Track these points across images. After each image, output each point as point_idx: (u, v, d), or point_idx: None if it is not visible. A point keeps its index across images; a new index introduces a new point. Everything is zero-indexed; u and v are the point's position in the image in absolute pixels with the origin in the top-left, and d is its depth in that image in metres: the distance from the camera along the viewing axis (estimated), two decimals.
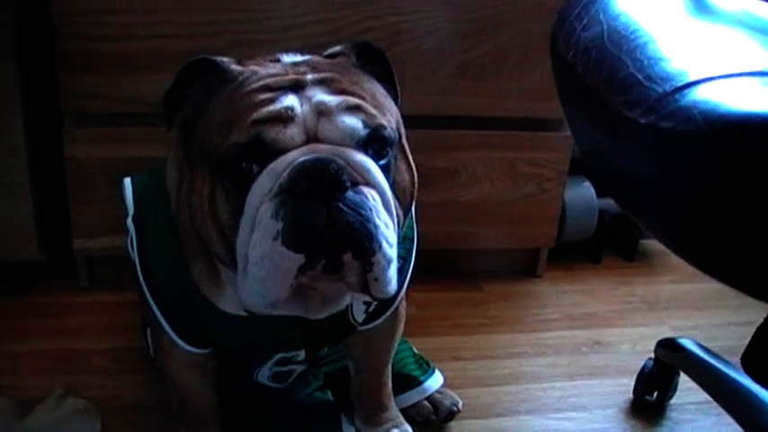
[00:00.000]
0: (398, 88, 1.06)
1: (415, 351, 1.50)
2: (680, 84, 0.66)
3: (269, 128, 0.89)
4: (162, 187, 1.10)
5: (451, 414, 1.44)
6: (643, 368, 1.58)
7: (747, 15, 0.90)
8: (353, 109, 0.92)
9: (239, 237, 0.91)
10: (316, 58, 1.02)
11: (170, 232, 1.08)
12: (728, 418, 1.41)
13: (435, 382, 1.47)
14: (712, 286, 2.04)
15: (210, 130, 0.94)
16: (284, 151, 0.89)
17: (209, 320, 1.12)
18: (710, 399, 1.46)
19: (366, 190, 0.89)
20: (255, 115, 0.90)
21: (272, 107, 0.90)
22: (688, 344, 1.50)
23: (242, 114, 0.91)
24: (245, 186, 0.90)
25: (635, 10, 0.90)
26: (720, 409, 1.44)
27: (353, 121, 0.91)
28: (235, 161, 0.90)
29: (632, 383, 1.59)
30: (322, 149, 0.89)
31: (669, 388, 1.56)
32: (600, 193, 2.04)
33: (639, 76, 0.70)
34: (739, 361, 0.95)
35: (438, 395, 1.46)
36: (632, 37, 0.78)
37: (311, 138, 0.90)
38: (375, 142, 0.93)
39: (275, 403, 1.35)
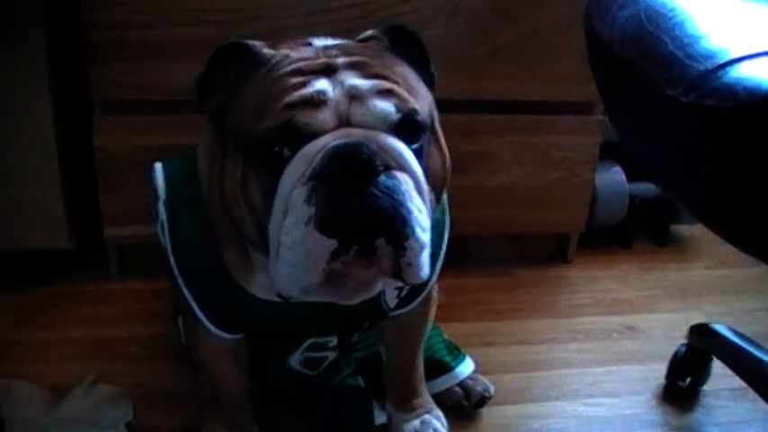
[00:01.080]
0: (433, 71, 1.04)
1: (446, 337, 1.50)
2: (721, 61, 0.65)
3: (301, 112, 0.88)
4: (194, 173, 1.09)
5: (483, 400, 1.44)
6: (676, 354, 1.56)
7: None
8: (386, 93, 0.91)
9: (272, 221, 0.90)
10: (347, 42, 1.01)
11: (202, 217, 1.08)
12: (763, 405, 1.40)
13: (467, 367, 1.46)
14: (745, 272, 2.02)
15: (243, 115, 0.93)
16: (316, 135, 0.88)
17: (242, 306, 1.12)
18: (744, 385, 1.44)
19: (399, 174, 0.89)
20: (287, 99, 0.89)
21: (304, 91, 0.89)
22: (722, 329, 1.49)
23: (274, 98, 0.90)
24: (278, 171, 0.89)
25: None
26: (754, 395, 1.43)
27: (386, 105, 0.90)
28: (267, 145, 0.90)
29: (664, 369, 1.58)
30: (354, 134, 0.89)
31: (702, 374, 1.55)
32: (630, 178, 2.02)
33: (680, 54, 0.68)
34: None
35: (470, 381, 1.45)
36: (670, 15, 0.76)
37: (343, 122, 0.89)
38: (407, 127, 0.92)
39: (307, 390, 1.34)
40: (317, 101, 0.89)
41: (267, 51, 0.97)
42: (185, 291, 1.13)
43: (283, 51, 0.97)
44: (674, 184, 0.74)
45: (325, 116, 0.89)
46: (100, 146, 1.65)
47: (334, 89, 0.90)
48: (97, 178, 1.68)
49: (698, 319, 1.66)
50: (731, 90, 0.60)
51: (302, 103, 0.89)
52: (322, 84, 0.90)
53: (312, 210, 0.86)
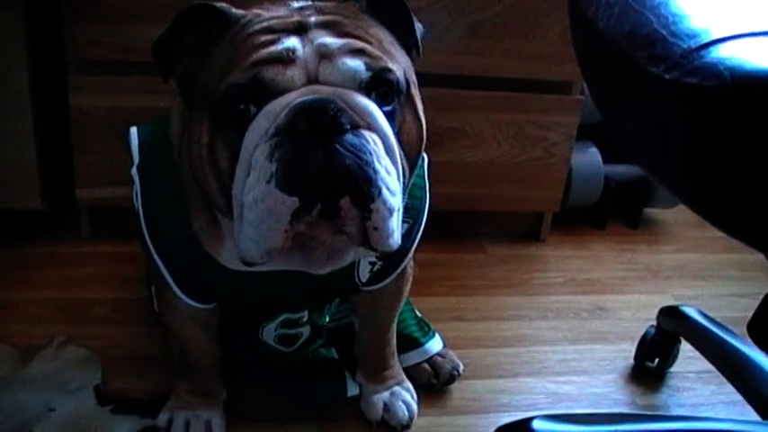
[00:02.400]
0: (418, 38, 1.02)
1: (417, 313, 1.50)
2: (705, 40, 0.65)
3: (268, 68, 0.87)
4: (167, 138, 1.08)
5: (452, 378, 1.44)
6: (645, 335, 1.58)
7: None
8: (357, 52, 0.90)
9: (235, 181, 0.88)
10: (322, 2, 0.98)
11: (175, 184, 1.06)
12: (728, 387, 1.42)
13: (436, 344, 1.47)
14: (716, 257, 2.04)
15: (211, 75, 0.91)
16: (283, 92, 0.87)
17: (213, 276, 1.10)
18: (710, 368, 1.46)
19: (367, 134, 0.87)
20: (255, 56, 0.88)
21: (272, 48, 0.88)
22: (691, 311, 1.50)
23: (242, 56, 0.88)
24: (243, 129, 0.87)
25: None
26: (720, 378, 1.45)
27: (356, 63, 0.89)
28: (233, 102, 0.88)
29: (633, 350, 1.60)
30: (322, 90, 0.87)
31: (670, 355, 1.56)
32: (606, 160, 2.03)
33: (664, 32, 0.68)
34: (742, 332, 0.95)
35: (439, 359, 1.46)
36: None
37: (311, 80, 0.88)
38: (379, 86, 0.90)
39: (278, 359, 1.34)
40: (286, 58, 0.87)
41: (237, 12, 0.95)
42: (157, 259, 1.12)
43: (255, 11, 0.95)
44: (656, 166, 0.74)
45: (293, 73, 0.87)
46: (75, 105, 1.63)
47: (303, 47, 0.88)
48: (71, 139, 1.66)
49: (667, 301, 1.68)
50: (714, 69, 0.60)
51: (270, 59, 0.87)
52: (291, 41, 0.89)
53: (274, 166, 0.84)
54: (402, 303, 1.32)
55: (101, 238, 1.80)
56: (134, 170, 1.11)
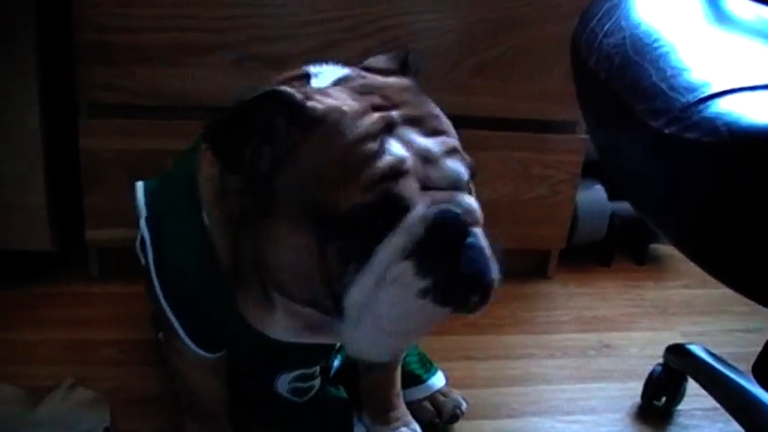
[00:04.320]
0: None
1: (420, 350, 1.50)
2: (703, 95, 0.66)
3: (393, 185, 0.87)
4: (183, 195, 1.07)
5: (455, 417, 1.44)
6: (652, 373, 1.58)
7: (766, 25, 0.90)
8: (453, 152, 0.93)
9: (357, 291, 0.89)
10: (374, 81, 0.99)
11: (195, 242, 1.06)
12: (735, 425, 1.41)
13: (438, 380, 1.47)
14: (722, 292, 2.03)
15: (312, 184, 0.89)
16: (409, 206, 0.88)
17: (235, 334, 1.13)
18: (717, 405, 1.45)
19: (477, 230, 0.91)
20: (375, 171, 0.87)
21: (387, 159, 0.87)
22: (697, 350, 1.50)
23: (358, 169, 0.87)
24: (370, 243, 0.88)
25: (656, 18, 0.90)
26: (727, 416, 1.44)
27: (458, 166, 0.92)
28: (361, 220, 0.87)
29: (640, 387, 1.59)
30: (440, 199, 0.89)
31: (677, 393, 1.56)
32: (611, 197, 2.04)
33: (663, 86, 0.70)
34: (748, 368, 0.96)
35: (441, 397, 1.46)
36: (655, 45, 0.78)
37: (423, 185, 0.89)
38: (471, 180, 0.95)
39: (282, 402, 1.34)
40: (403, 170, 0.88)
41: (315, 106, 0.91)
42: (168, 310, 1.13)
43: (331, 104, 0.91)
44: (655, 214, 0.75)
45: (412, 185, 0.88)
46: (85, 148, 1.64)
47: (407, 153, 0.89)
48: (81, 180, 1.67)
49: (675, 338, 1.68)
50: (712, 124, 0.61)
51: (391, 174, 0.87)
52: (397, 148, 0.89)
53: (427, 283, 0.87)
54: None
55: (109, 278, 1.80)
56: (142, 222, 1.11)
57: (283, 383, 1.29)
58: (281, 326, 1.04)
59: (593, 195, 2.02)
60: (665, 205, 0.70)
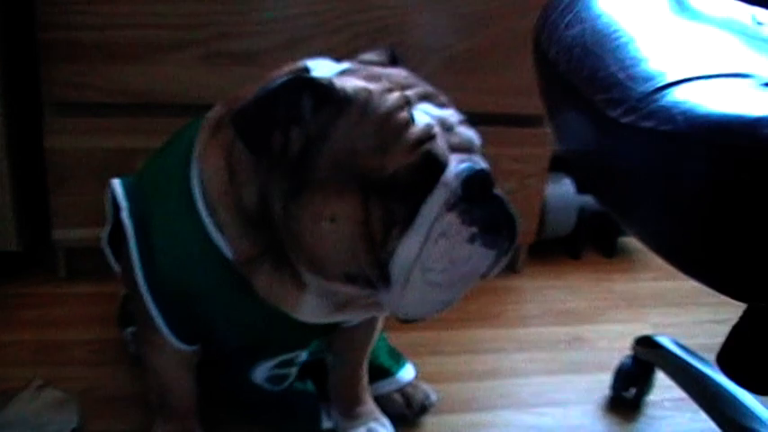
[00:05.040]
0: None
1: (389, 343, 1.50)
2: (660, 84, 0.66)
3: (431, 145, 0.94)
4: (176, 190, 1.08)
5: (424, 408, 1.45)
6: (621, 365, 1.59)
7: (728, 16, 0.91)
8: (464, 122, 1.01)
9: (404, 252, 0.95)
10: (376, 70, 1.05)
11: (186, 234, 1.07)
12: (703, 415, 1.42)
13: (407, 373, 1.47)
14: (692, 284, 2.01)
15: (355, 155, 0.94)
16: (445, 164, 0.95)
17: (225, 321, 1.15)
18: (686, 396, 1.47)
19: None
20: (413, 135, 0.94)
21: (420, 125, 0.95)
22: (665, 341, 1.51)
23: (396, 135, 0.94)
24: (416, 202, 0.94)
25: (617, 9, 0.90)
26: (695, 406, 1.45)
27: (471, 133, 1.01)
28: (407, 180, 0.94)
29: (610, 380, 1.60)
30: (466, 158, 0.97)
31: (646, 385, 1.57)
32: (580, 190, 2.04)
33: (621, 76, 0.70)
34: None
35: (410, 389, 1.47)
36: (614, 36, 0.78)
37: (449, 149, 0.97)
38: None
39: (254, 393, 1.35)
40: (433, 133, 0.95)
41: (344, 86, 0.97)
42: (151, 304, 1.13)
43: (358, 84, 0.98)
44: (616, 206, 0.76)
45: (444, 146, 0.96)
46: (51, 147, 1.63)
47: (432, 121, 0.97)
48: (47, 180, 1.66)
49: (644, 330, 1.69)
50: (669, 113, 0.62)
51: (426, 137, 0.95)
52: (424, 117, 0.97)
53: (474, 229, 0.94)
54: (375, 339, 1.33)
55: (78, 278, 1.79)
56: (124, 215, 1.11)
57: (262, 372, 1.30)
58: (310, 305, 1.07)
59: (562, 189, 2.03)
60: (624, 197, 0.70)
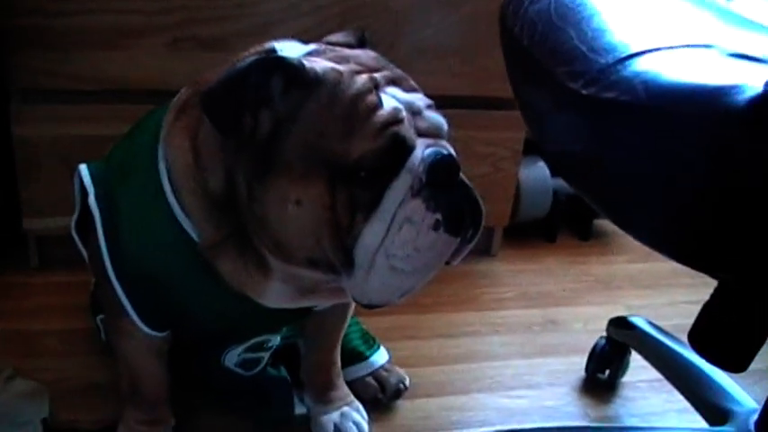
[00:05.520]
0: None
1: (362, 327, 1.50)
2: (623, 55, 0.66)
3: (398, 129, 0.93)
4: (143, 172, 1.07)
5: (398, 392, 1.45)
6: (595, 346, 1.59)
7: None
8: (432, 107, 1.01)
9: (368, 237, 0.94)
10: (344, 52, 1.04)
11: (153, 218, 1.06)
12: (678, 396, 1.43)
13: (380, 357, 1.47)
14: (666, 266, 2.06)
15: (325, 138, 0.93)
16: (411, 150, 0.94)
17: (194, 309, 1.14)
18: (661, 377, 1.47)
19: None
20: (380, 119, 0.93)
21: (388, 109, 0.94)
22: (639, 322, 1.52)
23: (364, 119, 0.93)
24: (380, 187, 0.94)
25: None
26: (670, 387, 1.46)
27: (439, 118, 1.00)
28: (372, 164, 0.93)
29: (584, 362, 1.60)
30: (432, 143, 0.96)
31: (621, 366, 1.57)
32: (554, 173, 2.04)
33: (583, 48, 0.69)
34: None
35: (384, 373, 1.46)
36: (578, 9, 0.78)
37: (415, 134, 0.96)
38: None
39: (227, 378, 1.34)
40: (400, 118, 0.94)
41: (314, 67, 0.95)
42: (119, 290, 1.12)
43: (328, 66, 0.96)
44: (580, 182, 0.75)
45: (410, 131, 0.95)
46: (18, 135, 1.61)
47: (399, 105, 0.96)
48: (17, 169, 1.64)
49: (620, 312, 1.69)
50: (630, 84, 0.61)
51: (393, 120, 0.93)
52: (391, 102, 0.95)
53: (438, 215, 0.93)
54: (347, 324, 1.33)
55: (50, 267, 1.77)
56: (92, 200, 1.10)
57: (232, 357, 1.30)
58: (275, 290, 1.06)
59: (536, 172, 2.02)
60: (588, 173, 0.70)
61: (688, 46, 0.66)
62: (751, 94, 0.58)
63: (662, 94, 0.59)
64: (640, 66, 0.64)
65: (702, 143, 0.57)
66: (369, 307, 0.99)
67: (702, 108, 0.57)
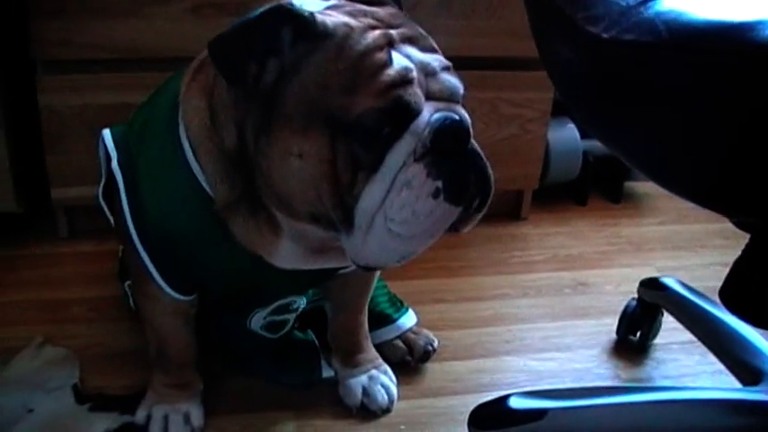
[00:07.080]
0: None
1: (390, 290, 1.49)
2: None
3: (403, 91, 0.91)
4: (162, 134, 1.08)
5: (426, 354, 1.44)
6: (626, 308, 1.57)
7: None
8: (449, 69, 0.97)
9: (368, 198, 0.93)
10: (363, 7, 1.00)
11: (173, 179, 1.06)
12: (711, 357, 1.41)
13: (409, 320, 1.46)
14: (698, 227, 2.04)
15: (325, 92, 0.92)
16: (418, 113, 0.92)
17: (218, 272, 1.14)
18: (693, 338, 1.45)
19: (474, 142, 0.96)
20: (386, 78, 0.90)
21: (397, 68, 0.91)
22: (671, 282, 1.49)
23: (369, 77, 0.91)
24: (381, 148, 0.92)
25: None
26: (703, 348, 1.44)
27: (455, 81, 0.97)
28: (373, 124, 0.91)
29: (616, 324, 1.59)
30: (443, 108, 0.94)
31: (652, 327, 1.55)
32: (584, 134, 2.02)
33: None
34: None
35: (412, 335, 1.45)
36: None
37: (426, 96, 0.93)
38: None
39: (254, 343, 1.35)
40: (410, 78, 0.92)
41: (325, 20, 0.93)
42: (143, 254, 1.12)
43: (340, 19, 0.95)
44: (605, 133, 0.74)
45: (419, 93, 0.92)
46: (44, 105, 1.62)
47: (411, 65, 0.93)
48: (43, 139, 1.65)
49: (650, 274, 1.67)
50: (651, 24, 0.59)
51: (400, 81, 0.91)
52: (403, 60, 0.92)
53: (439, 183, 0.91)
54: (374, 285, 1.32)
55: (78, 237, 1.79)
56: (114, 165, 1.10)
57: (258, 320, 1.31)
58: (286, 250, 1.06)
59: (566, 134, 2.00)
60: (613, 119, 0.68)
61: None
62: None
63: (685, 33, 0.57)
64: (662, 6, 0.62)
65: (728, 79, 0.55)
66: (366, 269, 0.99)
67: (727, 44, 0.55)
